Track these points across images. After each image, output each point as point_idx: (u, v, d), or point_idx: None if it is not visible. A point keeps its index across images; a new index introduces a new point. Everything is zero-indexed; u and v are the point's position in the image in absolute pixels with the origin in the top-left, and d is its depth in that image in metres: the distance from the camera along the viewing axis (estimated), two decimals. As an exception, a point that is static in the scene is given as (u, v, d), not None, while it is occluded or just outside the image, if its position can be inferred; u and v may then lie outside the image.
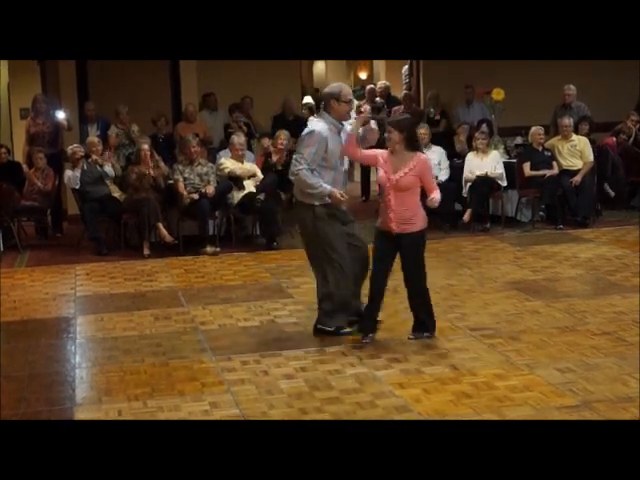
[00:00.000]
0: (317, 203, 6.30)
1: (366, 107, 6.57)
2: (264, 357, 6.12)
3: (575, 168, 10.90)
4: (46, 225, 10.98)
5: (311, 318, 6.76)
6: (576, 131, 11.26)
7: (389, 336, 6.46)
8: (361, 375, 5.71)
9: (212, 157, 10.94)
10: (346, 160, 6.57)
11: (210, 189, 9.90)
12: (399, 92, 14.95)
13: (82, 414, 5.20)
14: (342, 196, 6.27)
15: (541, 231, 10.57)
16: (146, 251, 9.67)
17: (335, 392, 5.42)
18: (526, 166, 10.86)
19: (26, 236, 10.83)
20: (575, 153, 10.98)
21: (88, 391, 5.64)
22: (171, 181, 10.16)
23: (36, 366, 6.17)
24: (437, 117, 12.48)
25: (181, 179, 10.04)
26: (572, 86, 11.83)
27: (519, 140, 11.84)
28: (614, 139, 11.88)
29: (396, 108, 12.93)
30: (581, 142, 11.02)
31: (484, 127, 11.42)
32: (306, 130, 6.41)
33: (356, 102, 8.92)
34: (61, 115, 11.00)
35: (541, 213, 11.11)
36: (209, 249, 9.71)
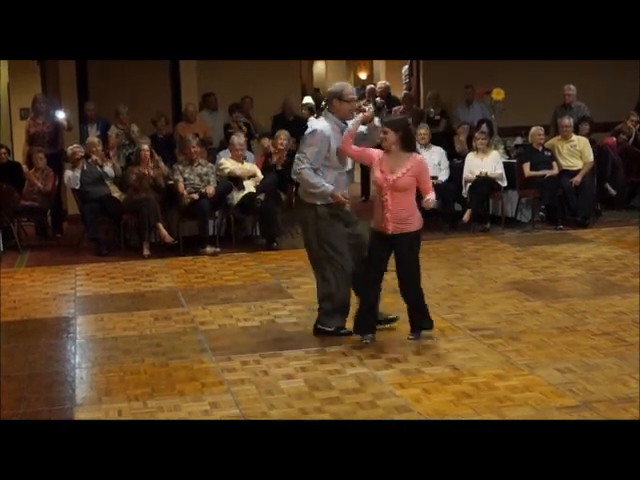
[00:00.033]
0: (319, 203, 6.30)
1: (369, 106, 6.55)
2: (264, 357, 6.12)
3: (575, 168, 10.90)
4: (46, 225, 10.97)
5: (311, 318, 6.76)
6: (576, 131, 11.27)
7: (389, 336, 6.46)
8: (361, 375, 5.71)
9: (212, 157, 10.93)
10: (349, 160, 6.57)
11: (210, 189, 9.90)
12: (399, 92, 14.94)
13: (82, 414, 5.20)
14: (344, 197, 6.26)
15: (541, 231, 10.57)
16: (146, 251, 9.67)
17: (335, 392, 5.42)
18: (526, 166, 10.86)
19: (26, 236, 10.83)
20: (575, 153, 10.98)
21: (88, 391, 5.64)
22: (171, 181, 10.16)
23: (36, 366, 6.17)
24: (437, 117, 12.48)
25: (181, 179, 10.03)
26: (572, 86, 11.83)
27: (519, 140, 11.84)
28: (614, 139, 11.88)
29: (396, 108, 12.94)
30: (581, 142, 11.02)
31: (484, 127, 11.42)
32: (309, 129, 6.42)
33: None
34: (61, 115, 11.00)
35: (541, 213, 11.11)
36: (209, 249, 9.71)
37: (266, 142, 10.94)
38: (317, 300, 6.56)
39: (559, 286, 7.91)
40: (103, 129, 11.24)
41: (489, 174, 10.58)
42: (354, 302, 6.45)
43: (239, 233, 10.40)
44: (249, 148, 11.22)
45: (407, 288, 6.29)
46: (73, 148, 10.29)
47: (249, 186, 10.16)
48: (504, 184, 10.71)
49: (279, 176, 10.49)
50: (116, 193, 10.17)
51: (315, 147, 6.24)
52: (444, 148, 11.04)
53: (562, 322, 6.75)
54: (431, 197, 6.13)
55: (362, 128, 6.41)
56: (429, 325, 6.41)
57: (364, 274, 6.30)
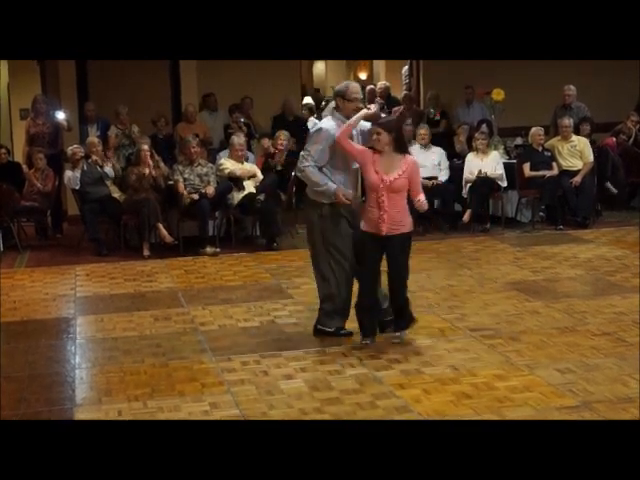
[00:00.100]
0: (325, 202, 6.29)
1: (374, 105, 6.50)
2: (264, 357, 6.12)
3: (575, 169, 10.90)
4: (46, 226, 10.97)
5: (311, 319, 6.76)
6: (577, 132, 11.27)
7: (389, 336, 6.45)
8: (361, 376, 5.70)
9: (212, 158, 10.94)
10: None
11: (210, 190, 9.90)
12: (399, 92, 14.96)
13: (82, 414, 5.20)
14: (347, 197, 6.22)
15: (541, 232, 10.57)
16: (146, 252, 9.67)
17: (335, 392, 5.42)
18: (526, 167, 10.86)
19: (26, 237, 10.83)
20: (575, 154, 10.98)
21: (88, 392, 5.64)
22: (171, 182, 10.16)
23: (36, 366, 6.16)
24: (437, 117, 12.49)
25: (181, 179, 10.03)
26: (572, 86, 11.83)
27: (519, 141, 11.85)
28: (614, 139, 11.89)
29: (396, 108, 12.94)
30: (581, 142, 11.02)
31: (484, 127, 11.43)
32: (314, 128, 6.43)
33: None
34: (61, 115, 11.00)
35: (541, 214, 11.12)
36: (209, 250, 9.71)
37: (266, 142, 10.94)
38: (318, 300, 6.55)
39: (559, 286, 7.91)
40: (103, 129, 11.23)
41: (489, 174, 10.59)
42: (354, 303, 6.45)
43: (239, 233, 10.40)
44: (249, 148, 11.22)
45: (397, 289, 6.26)
46: (73, 148, 10.29)
47: (249, 186, 10.16)
48: (504, 184, 10.71)
49: (279, 176, 10.50)
50: (116, 193, 10.17)
51: (319, 145, 6.23)
52: (444, 148, 11.05)
53: (562, 322, 6.75)
54: (423, 198, 6.14)
55: (366, 125, 6.36)
56: (411, 324, 6.45)
57: (360, 278, 6.27)
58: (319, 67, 22.22)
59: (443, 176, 10.76)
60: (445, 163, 10.87)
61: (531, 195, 10.87)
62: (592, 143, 11.32)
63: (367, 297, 6.24)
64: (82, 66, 11.86)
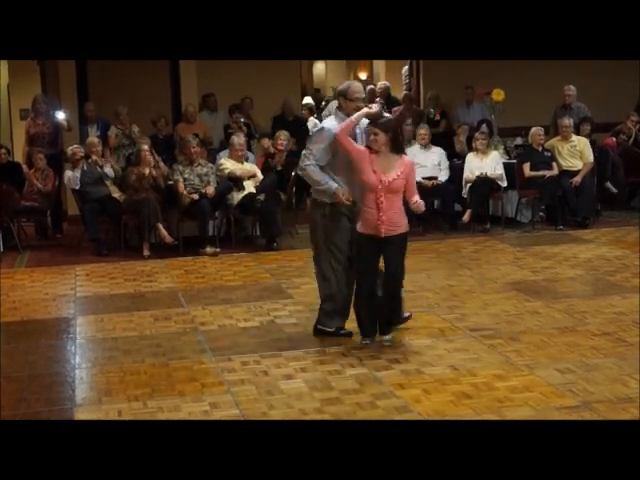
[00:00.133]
0: (329, 201, 6.29)
1: (376, 104, 6.46)
2: (264, 358, 6.12)
3: (575, 169, 10.91)
4: (46, 226, 10.97)
5: (311, 319, 6.76)
6: (578, 132, 11.28)
7: (389, 337, 6.45)
8: (361, 376, 5.70)
9: (212, 158, 10.94)
10: None
11: (210, 190, 9.91)
12: (399, 92, 14.95)
13: (82, 414, 5.20)
14: (346, 198, 6.20)
15: (541, 232, 10.57)
16: (146, 252, 9.67)
17: (335, 393, 5.42)
18: (526, 167, 10.86)
19: (26, 237, 10.83)
20: (575, 154, 10.99)
21: (88, 392, 5.64)
22: (171, 182, 10.16)
23: (36, 367, 6.16)
24: (437, 118, 12.49)
25: (181, 179, 10.04)
26: (572, 87, 11.83)
27: (519, 141, 11.85)
28: (614, 139, 11.89)
29: (396, 109, 12.94)
30: (581, 143, 11.02)
31: (484, 128, 11.43)
32: (317, 127, 6.42)
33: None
34: (61, 116, 11.00)
35: (541, 214, 11.12)
36: (209, 250, 9.71)
37: (266, 142, 10.95)
38: (319, 300, 6.55)
39: (559, 286, 7.91)
40: (103, 129, 11.24)
41: (489, 174, 10.59)
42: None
43: (239, 233, 10.40)
44: (249, 148, 11.22)
45: (393, 289, 6.24)
46: (73, 148, 10.29)
47: (249, 186, 10.16)
48: (504, 184, 10.72)
49: (279, 176, 10.50)
50: (116, 193, 10.18)
51: (321, 144, 6.23)
52: (444, 148, 11.05)
53: (562, 322, 6.75)
54: (419, 199, 6.16)
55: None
56: (397, 324, 6.48)
57: (359, 280, 6.24)
58: (319, 67, 22.22)
59: (443, 176, 10.77)
60: (445, 163, 10.88)
61: (531, 195, 10.87)
62: (592, 143, 11.33)
63: (365, 298, 6.23)
64: (82, 66, 11.86)
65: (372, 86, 15.13)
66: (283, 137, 10.83)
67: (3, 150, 11.00)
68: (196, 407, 5.22)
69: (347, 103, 6.30)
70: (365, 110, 6.18)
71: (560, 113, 11.59)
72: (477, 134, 11.02)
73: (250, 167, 10.42)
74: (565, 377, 5.54)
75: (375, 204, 6.05)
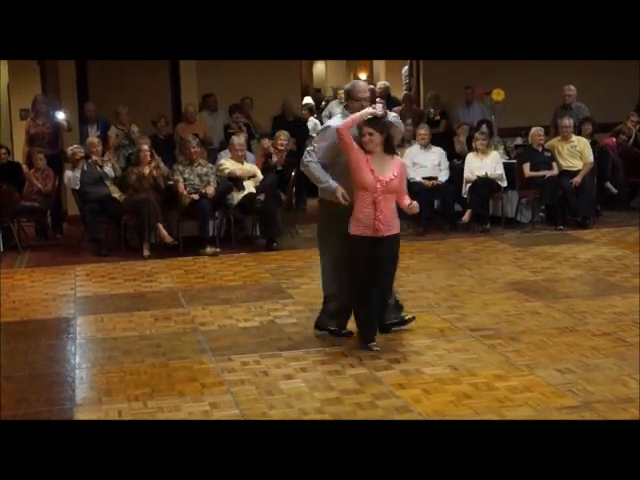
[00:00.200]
0: (335, 200, 6.28)
1: (379, 105, 6.41)
2: (264, 358, 6.12)
3: (575, 169, 10.90)
4: (46, 226, 10.97)
5: (311, 319, 6.76)
6: (579, 132, 11.28)
7: (389, 337, 6.45)
8: (361, 376, 5.70)
9: (212, 158, 10.94)
10: None
11: (210, 190, 9.91)
12: (399, 93, 14.95)
13: (82, 414, 5.20)
14: (344, 198, 6.19)
15: (541, 232, 10.57)
16: (146, 252, 9.67)
17: (335, 393, 5.42)
18: (526, 167, 10.87)
19: (26, 237, 10.83)
20: (575, 154, 10.99)
21: (88, 392, 5.64)
22: (171, 182, 10.15)
23: (36, 367, 6.16)
24: (437, 118, 12.50)
25: (181, 180, 10.03)
26: (572, 87, 11.83)
27: (519, 141, 11.85)
28: (614, 140, 11.89)
29: (396, 109, 12.92)
30: (581, 143, 11.02)
31: (484, 128, 11.43)
32: (323, 125, 6.42)
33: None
34: (61, 116, 11.00)
35: (541, 214, 11.12)
36: (209, 250, 9.71)
37: (266, 143, 10.95)
38: (322, 298, 6.54)
39: (559, 286, 7.91)
40: (103, 130, 11.24)
41: (489, 175, 10.59)
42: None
43: (239, 233, 10.40)
44: (249, 148, 11.23)
45: (383, 289, 6.21)
46: (73, 149, 10.30)
47: (249, 186, 10.16)
48: (504, 184, 10.72)
49: (279, 177, 10.50)
50: (116, 194, 10.17)
51: (325, 142, 6.24)
52: (444, 149, 11.05)
53: (562, 322, 6.75)
54: (413, 201, 6.18)
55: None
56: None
57: (356, 284, 6.18)
58: (319, 67, 22.22)
59: (443, 176, 10.76)
60: (445, 163, 10.87)
61: (531, 195, 10.87)
62: (593, 143, 11.33)
63: (361, 301, 6.19)
64: (82, 66, 11.87)
65: (372, 86, 15.12)
66: (283, 137, 10.83)
67: (3, 150, 11.00)
68: (196, 407, 5.22)
69: (352, 103, 6.31)
70: (369, 110, 6.15)
71: (560, 113, 11.59)
72: (477, 134, 11.02)
73: (250, 167, 10.42)
74: (565, 377, 5.54)
75: (372, 204, 6.02)
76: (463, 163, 10.87)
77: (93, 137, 10.68)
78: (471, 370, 5.74)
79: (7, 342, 6.67)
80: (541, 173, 10.81)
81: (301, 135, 12.12)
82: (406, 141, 10.86)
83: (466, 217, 10.60)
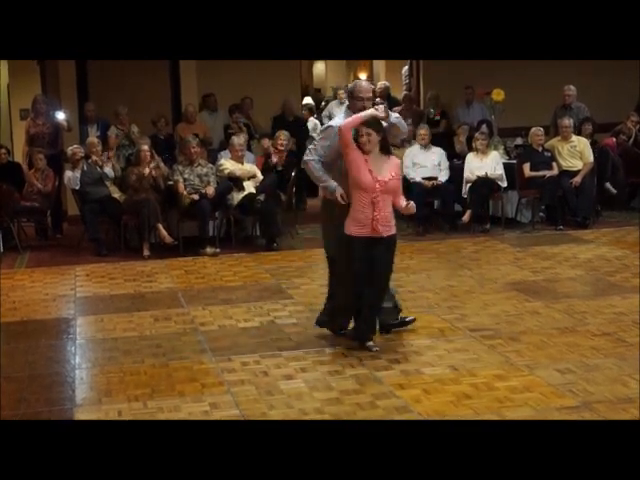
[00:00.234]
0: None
1: (381, 106, 6.39)
2: (264, 358, 6.12)
3: (575, 169, 10.90)
4: (46, 226, 10.97)
5: (311, 319, 6.76)
6: (578, 132, 11.28)
7: (388, 337, 6.45)
8: (361, 376, 5.70)
9: (212, 158, 10.93)
10: None
11: (210, 190, 9.90)
12: (399, 92, 14.95)
13: (82, 415, 5.20)
14: (342, 198, 6.19)
15: (541, 232, 10.57)
16: (146, 252, 9.66)
17: (335, 393, 5.41)
18: (526, 167, 10.86)
19: (26, 237, 10.83)
20: (575, 154, 10.99)
21: (88, 392, 5.63)
22: (171, 182, 10.15)
23: (36, 367, 6.16)
24: (437, 118, 12.49)
25: (181, 180, 10.03)
26: (572, 87, 11.83)
27: (519, 141, 11.84)
28: (614, 140, 11.89)
29: (396, 109, 12.92)
30: (581, 143, 11.02)
31: (484, 128, 11.43)
32: (326, 124, 6.47)
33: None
34: (61, 116, 11.00)
35: (541, 214, 11.12)
36: (209, 250, 9.71)
37: (266, 143, 10.95)
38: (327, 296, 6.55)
39: (559, 287, 7.91)
40: (103, 130, 11.23)
41: (489, 175, 10.59)
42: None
43: (239, 234, 10.40)
44: (249, 149, 11.22)
45: (381, 289, 6.19)
46: (73, 149, 10.29)
47: (249, 187, 10.16)
48: (504, 185, 10.72)
49: (279, 177, 10.50)
50: (116, 194, 10.17)
51: (326, 141, 6.24)
52: (444, 149, 11.05)
53: (562, 323, 6.75)
54: (411, 202, 6.18)
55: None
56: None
57: (353, 284, 6.16)
58: (319, 67, 22.23)
59: (443, 176, 10.76)
60: (445, 163, 10.87)
61: (531, 195, 10.87)
62: (593, 143, 11.33)
63: (357, 301, 6.18)
64: (82, 66, 11.87)
65: (372, 86, 15.12)
66: (283, 137, 10.83)
67: (3, 150, 11.00)
68: (196, 407, 5.22)
69: (354, 102, 6.30)
70: (372, 111, 6.13)
71: (560, 113, 11.59)
72: (477, 134, 11.02)
73: (250, 167, 10.42)
74: (565, 377, 5.54)
75: (371, 204, 6.01)
76: (463, 163, 10.87)
77: (93, 137, 10.68)
78: (471, 370, 5.74)
79: (7, 342, 6.67)
80: (541, 173, 10.81)
81: (301, 135, 12.12)
82: (406, 141, 10.85)
83: (466, 217, 10.59)
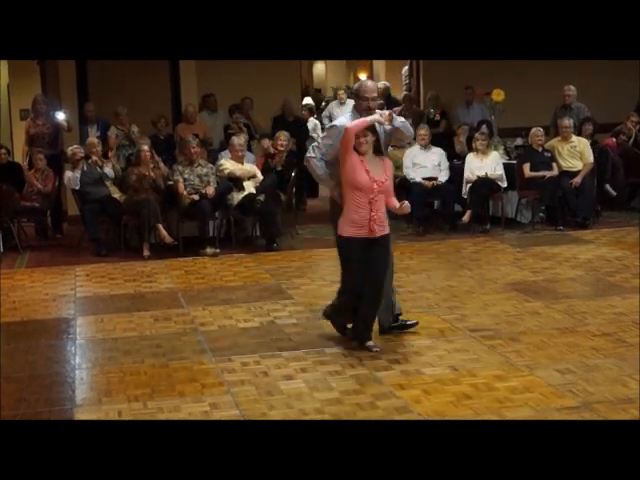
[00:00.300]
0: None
1: (384, 112, 6.33)
2: (264, 358, 6.11)
3: (575, 169, 10.90)
4: (46, 226, 10.98)
5: (311, 319, 6.76)
6: (579, 132, 11.28)
7: (388, 337, 6.45)
8: (361, 376, 5.70)
9: (212, 158, 10.94)
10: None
11: (210, 190, 9.90)
12: (399, 93, 14.96)
13: (82, 415, 5.20)
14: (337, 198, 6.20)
15: (541, 232, 10.57)
16: (146, 252, 9.66)
17: (335, 393, 5.41)
18: (526, 167, 10.86)
19: (26, 237, 10.83)
20: (575, 154, 10.98)
21: (88, 392, 5.63)
22: (171, 182, 10.15)
23: (36, 367, 6.16)
24: (437, 118, 12.49)
25: (181, 180, 10.03)
26: (572, 87, 11.83)
27: (519, 141, 11.85)
28: (614, 140, 11.89)
29: (396, 109, 12.92)
30: (581, 143, 11.02)
31: (484, 128, 11.43)
32: (330, 123, 6.55)
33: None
34: (61, 116, 11.00)
35: (541, 214, 11.11)
36: (209, 250, 9.71)
37: (266, 143, 10.95)
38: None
39: (559, 287, 7.91)
40: (103, 130, 11.24)
41: (489, 175, 10.59)
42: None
43: (239, 234, 10.40)
44: (249, 149, 11.22)
45: (374, 289, 6.17)
46: (73, 149, 10.29)
47: (249, 187, 10.16)
48: (504, 185, 10.72)
49: (279, 177, 10.50)
50: (116, 194, 10.17)
51: (329, 140, 6.25)
52: (444, 149, 11.05)
53: (562, 323, 6.75)
54: (406, 202, 6.18)
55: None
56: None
57: (351, 284, 6.16)
58: (319, 67, 22.24)
59: (443, 177, 10.76)
60: (445, 164, 10.87)
61: (531, 196, 10.87)
62: (594, 143, 11.32)
63: (355, 302, 6.18)
64: (82, 66, 11.87)
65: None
66: (283, 137, 10.83)
67: (3, 150, 11.00)
68: (196, 407, 5.22)
69: (359, 102, 6.30)
70: (376, 117, 6.11)
71: (560, 113, 11.59)
72: (477, 134, 11.02)
73: (250, 167, 10.42)
74: (565, 378, 5.54)
75: (368, 204, 6.02)
76: (463, 163, 10.87)
77: (93, 137, 10.68)
78: (471, 371, 5.74)
79: (7, 342, 6.67)
80: (541, 173, 10.80)
81: (301, 135, 12.12)
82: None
83: (466, 217, 10.59)
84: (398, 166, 10.67)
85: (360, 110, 6.24)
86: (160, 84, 12.23)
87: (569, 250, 9.44)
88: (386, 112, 6.24)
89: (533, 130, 11.05)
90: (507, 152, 11.53)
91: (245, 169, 10.30)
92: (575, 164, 10.94)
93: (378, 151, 6.13)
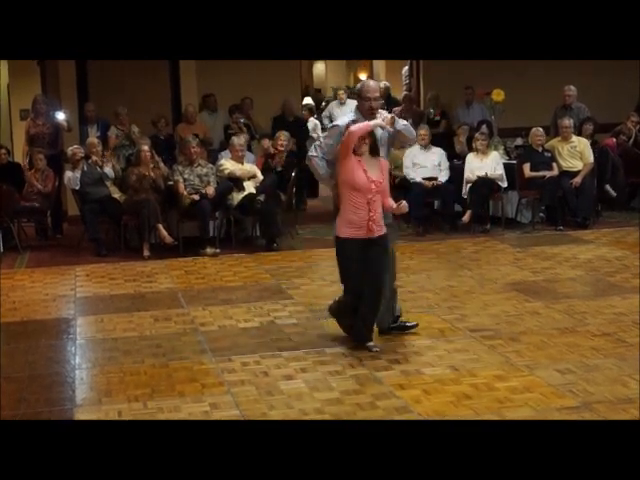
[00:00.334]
0: None
1: (388, 116, 6.31)
2: (264, 358, 6.11)
3: (575, 169, 10.90)
4: (46, 226, 10.98)
5: (311, 319, 6.77)
6: (579, 132, 11.28)
7: (388, 337, 6.45)
8: (361, 376, 5.70)
9: (212, 158, 10.94)
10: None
11: (210, 190, 9.90)
12: (399, 93, 14.97)
13: (82, 415, 5.20)
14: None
15: (541, 232, 10.57)
16: (146, 252, 9.66)
17: (335, 393, 5.41)
18: (526, 167, 10.86)
19: (26, 237, 10.83)
20: (575, 154, 10.98)
21: (88, 392, 5.63)
22: (171, 182, 10.15)
23: (36, 367, 6.16)
24: (437, 118, 12.50)
25: (181, 180, 10.03)
26: (572, 87, 11.83)
27: (519, 141, 11.85)
28: (614, 140, 11.89)
29: (396, 109, 12.93)
30: (581, 143, 11.02)
31: (484, 128, 11.44)
32: (333, 123, 6.53)
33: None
34: (61, 116, 11.00)
35: (541, 214, 11.12)
36: (209, 250, 9.71)
37: (266, 143, 10.95)
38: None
39: (559, 287, 7.91)
40: (103, 130, 11.24)
41: (489, 175, 10.59)
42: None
43: (239, 234, 10.40)
44: (249, 149, 11.22)
45: (374, 289, 6.16)
46: (73, 149, 10.30)
47: (249, 187, 10.16)
48: (504, 185, 10.72)
49: (279, 177, 10.50)
50: (116, 194, 10.17)
51: (330, 140, 6.25)
52: (444, 149, 11.05)
53: (562, 323, 6.75)
54: (403, 202, 6.19)
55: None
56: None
57: (350, 285, 6.16)
58: (319, 67, 22.24)
59: (443, 177, 10.76)
60: (445, 164, 10.87)
61: (531, 196, 10.87)
62: (594, 143, 11.32)
63: (354, 302, 6.17)
64: (82, 66, 11.87)
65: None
66: (283, 138, 10.83)
67: (3, 150, 11.01)
68: (196, 408, 5.22)
69: (361, 102, 6.30)
70: (379, 122, 6.11)
71: (560, 113, 11.59)
72: (477, 134, 11.02)
73: (250, 167, 10.42)
74: (565, 378, 5.54)
75: (366, 204, 6.02)
76: (463, 163, 10.87)
77: (93, 137, 10.69)
78: (471, 371, 5.74)
79: (7, 342, 6.67)
80: (541, 173, 10.81)
81: (301, 135, 12.12)
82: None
83: (466, 217, 10.60)
84: (398, 166, 10.69)
85: (363, 110, 6.24)
86: (160, 84, 12.23)
87: (569, 250, 9.45)
88: (388, 115, 6.24)
89: (533, 130, 11.05)
90: (507, 152, 11.53)
91: (245, 169, 10.30)
92: (575, 164, 10.94)
93: (374, 152, 6.14)
